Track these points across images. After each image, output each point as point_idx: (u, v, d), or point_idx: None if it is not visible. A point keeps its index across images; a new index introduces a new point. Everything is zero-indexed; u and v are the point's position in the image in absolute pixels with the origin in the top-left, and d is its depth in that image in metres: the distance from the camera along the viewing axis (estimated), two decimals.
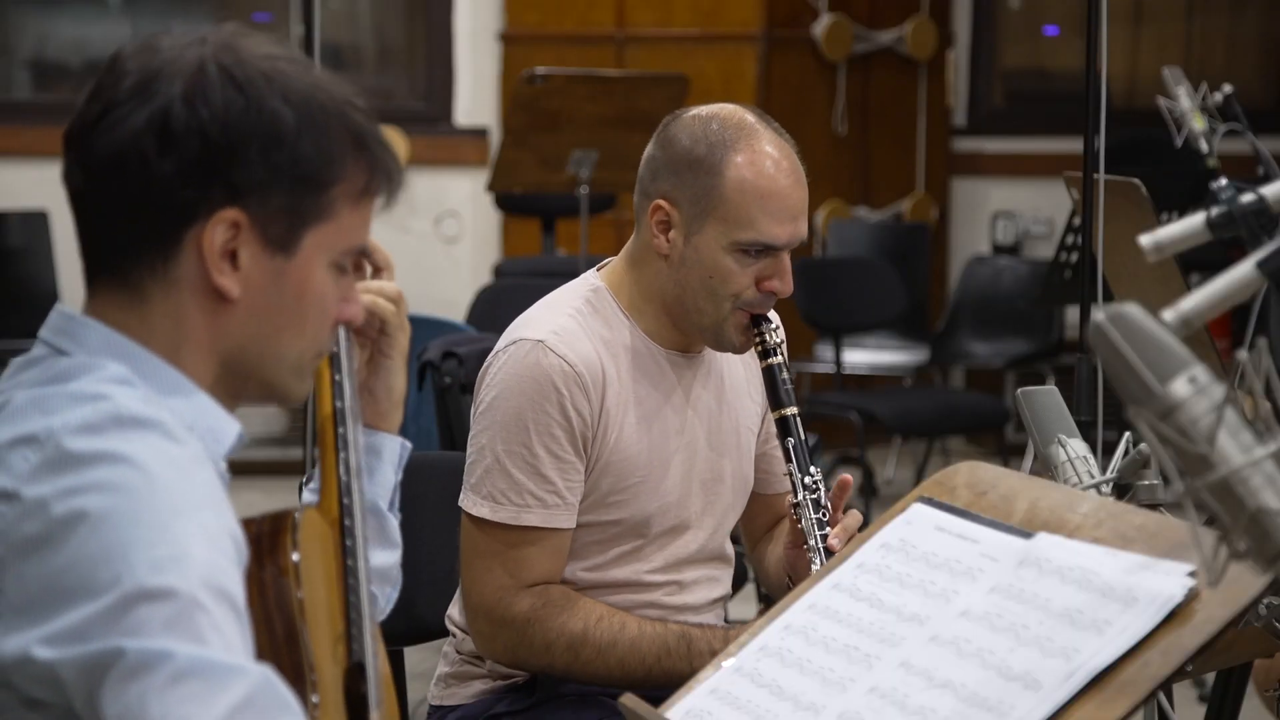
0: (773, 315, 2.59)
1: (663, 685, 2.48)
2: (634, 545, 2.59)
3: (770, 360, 2.56)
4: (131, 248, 1.60)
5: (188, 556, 1.47)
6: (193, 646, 1.44)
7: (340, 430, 1.89)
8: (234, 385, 1.66)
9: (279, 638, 1.64)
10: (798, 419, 2.56)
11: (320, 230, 1.63)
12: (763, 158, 2.51)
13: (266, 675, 1.47)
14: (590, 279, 2.63)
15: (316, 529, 1.77)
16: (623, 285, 2.60)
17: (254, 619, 1.57)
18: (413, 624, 2.75)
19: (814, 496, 2.52)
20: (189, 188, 1.58)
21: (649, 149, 2.58)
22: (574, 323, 2.54)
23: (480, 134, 8.08)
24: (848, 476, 2.58)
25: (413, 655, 2.91)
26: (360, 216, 1.66)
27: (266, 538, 1.66)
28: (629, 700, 1.88)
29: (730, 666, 1.92)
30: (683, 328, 2.58)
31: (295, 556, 1.66)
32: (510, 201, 6.95)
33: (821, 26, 7.96)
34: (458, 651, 2.66)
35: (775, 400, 2.57)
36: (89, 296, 1.65)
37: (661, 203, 2.53)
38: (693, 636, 2.51)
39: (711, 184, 2.50)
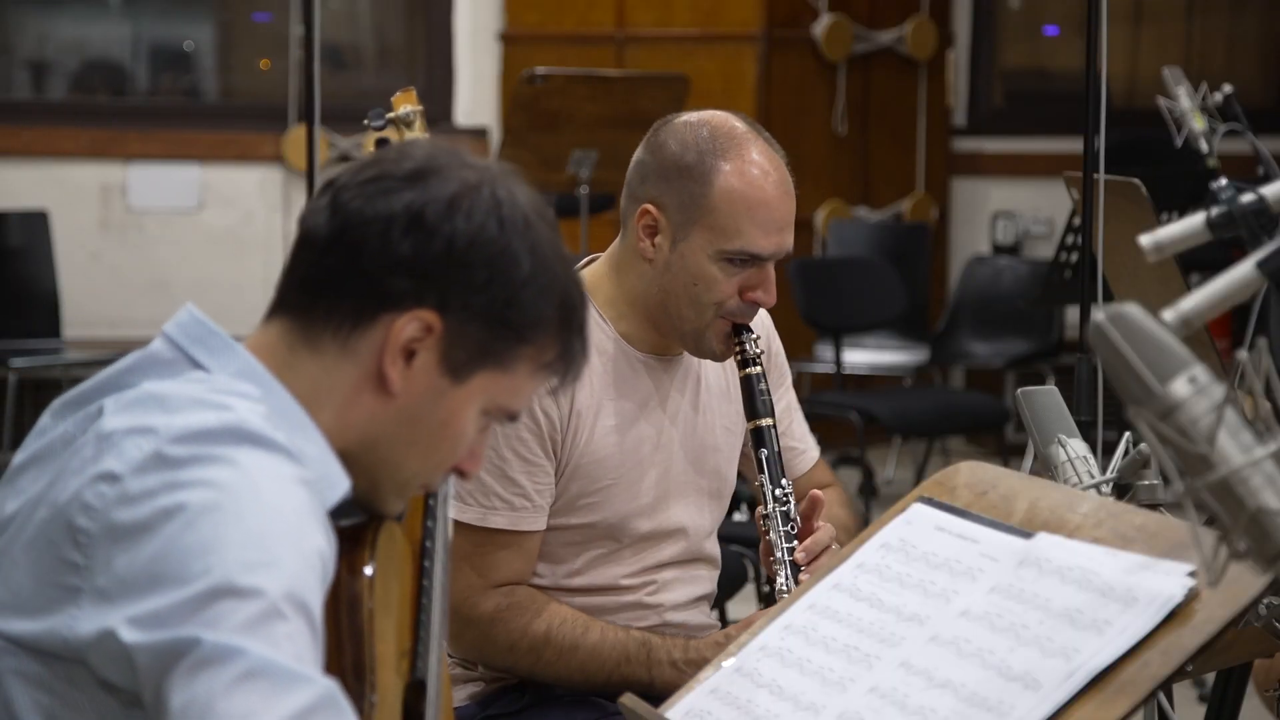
0: (754, 325, 2.58)
1: (619, 690, 2.49)
2: (608, 549, 2.59)
3: (749, 370, 2.55)
4: (331, 302, 1.66)
5: (279, 564, 1.51)
6: (266, 649, 1.47)
7: None
8: (347, 472, 1.69)
9: (344, 637, 1.66)
10: (774, 430, 2.56)
11: (494, 376, 1.68)
12: (752, 167, 2.50)
13: (331, 689, 1.50)
14: None
15: (397, 545, 1.78)
16: (602, 287, 2.60)
17: (323, 616, 1.60)
18: None
19: (783, 509, 2.51)
20: (410, 277, 1.64)
21: (638, 153, 2.58)
22: None
23: (480, 134, 8.08)
24: (819, 493, 2.55)
25: None
26: (532, 384, 1.72)
27: (346, 544, 1.69)
28: (629, 700, 1.89)
29: (730, 666, 1.92)
30: (663, 332, 2.58)
31: (369, 570, 1.69)
32: None
33: (821, 26, 7.96)
34: (449, 654, 2.66)
35: (751, 410, 2.57)
36: (264, 322, 1.70)
37: (649, 207, 2.53)
38: (653, 645, 2.51)
39: (700, 192, 2.49)
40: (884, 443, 7.82)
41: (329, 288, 1.67)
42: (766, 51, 7.85)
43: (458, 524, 2.51)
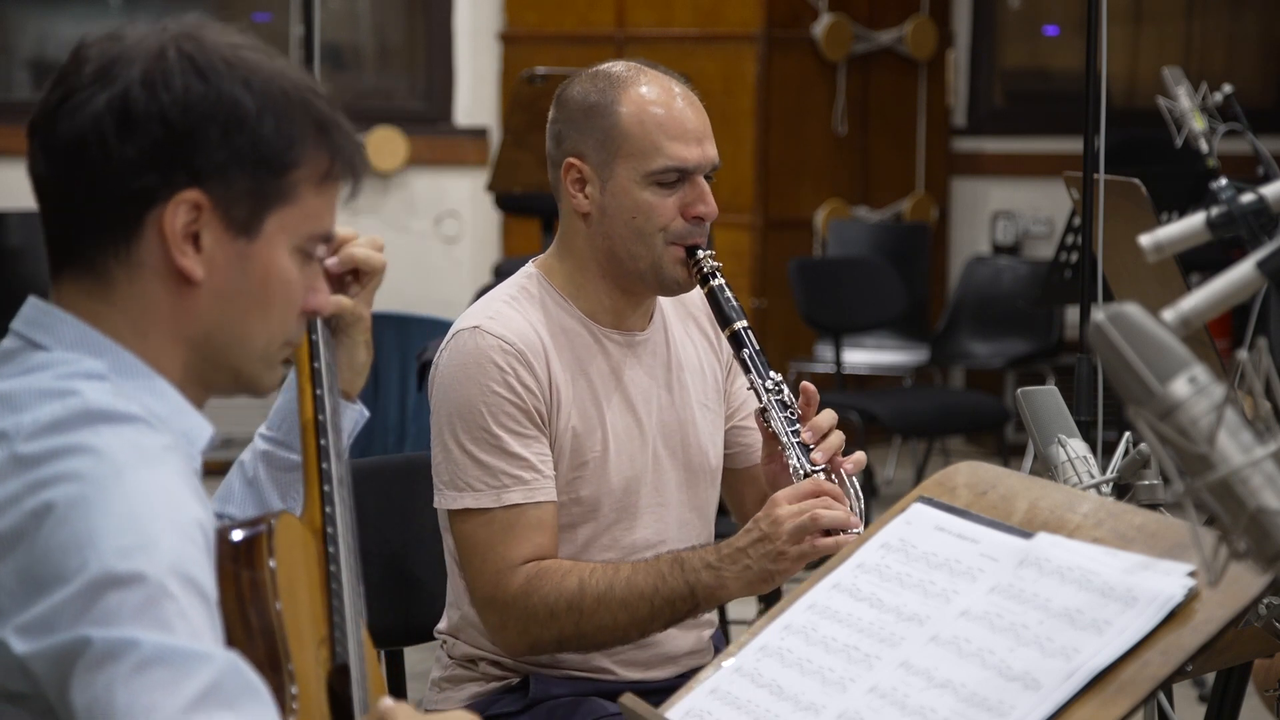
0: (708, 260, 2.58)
1: (669, 618, 2.49)
2: (594, 530, 2.58)
3: (711, 283, 2.57)
4: (95, 232, 1.62)
5: (155, 544, 1.48)
6: (159, 634, 1.44)
7: (322, 442, 1.89)
8: (204, 374, 1.67)
9: (255, 635, 1.65)
10: (749, 330, 2.57)
11: (283, 213, 1.64)
12: (653, 88, 2.56)
13: (233, 661, 1.48)
14: (526, 269, 2.65)
15: (298, 536, 1.78)
16: (557, 268, 2.62)
17: (230, 621, 1.59)
18: (410, 624, 2.75)
19: (779, 397, 2.52)
20: (150, 170, 1.59)
21: (549, 118, 2.63)
22: (509, 308, 2.56)
23: (480, 134, 8.08)
24: (810, 385, 2.55)
25: (412, 655, 2.90)
26: (324, 202, 1.68)
27: (243, 544, 1.68)
28: (629, 700, 1.89)
29: (730, 666, 1.92)
30: (624, 285, 2.59)
31: (272, 564, 1.68)
32: (510, 201, 6.96)
33: (821, 26, 7.96)
34: (450, 655, 2.66)
35: (723, 318, 2.58)
36: (56, 287, 1.66)
37: (571, 160, 2.58)
38: (683, 558, 2.49)
39: (610, 124, 2.54)
40: (884, 443, 7.82)
41: (84, 222, 1.62)
42: (766, 51, 7.85)
43: (474, 513, 2.51)
